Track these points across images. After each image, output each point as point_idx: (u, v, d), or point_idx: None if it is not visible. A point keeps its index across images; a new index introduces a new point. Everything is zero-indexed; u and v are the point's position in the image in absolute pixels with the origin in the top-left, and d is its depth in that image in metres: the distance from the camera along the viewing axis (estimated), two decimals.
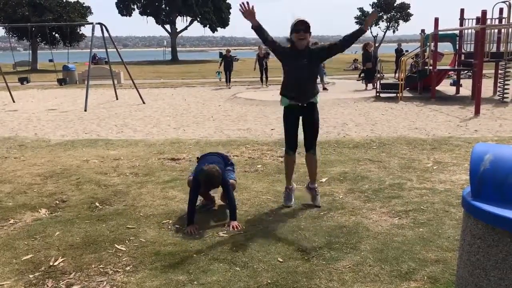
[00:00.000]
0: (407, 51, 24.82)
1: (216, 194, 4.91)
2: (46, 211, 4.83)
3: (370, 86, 16.60)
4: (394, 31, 55.30)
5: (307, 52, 4.55)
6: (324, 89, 16.07)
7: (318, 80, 16.25)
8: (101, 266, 3.56)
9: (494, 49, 13.88)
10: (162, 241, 3.98)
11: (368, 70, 16.62)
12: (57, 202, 5.10)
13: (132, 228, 4.30)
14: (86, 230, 4.28)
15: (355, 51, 42.74)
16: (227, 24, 60.18)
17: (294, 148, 4.79)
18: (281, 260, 3.57)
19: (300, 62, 4.53)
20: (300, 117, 4.73)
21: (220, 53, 64.61)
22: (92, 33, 14.96)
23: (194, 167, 4.84)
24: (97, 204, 5.00)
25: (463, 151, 7.00)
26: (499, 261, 2.41)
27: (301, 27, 4.44)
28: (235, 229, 4.18)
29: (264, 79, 19.18)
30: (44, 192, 5.42)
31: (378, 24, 53.18)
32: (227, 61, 19.39)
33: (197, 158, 4.90)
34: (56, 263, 3.60)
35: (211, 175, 4.23)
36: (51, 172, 6.33)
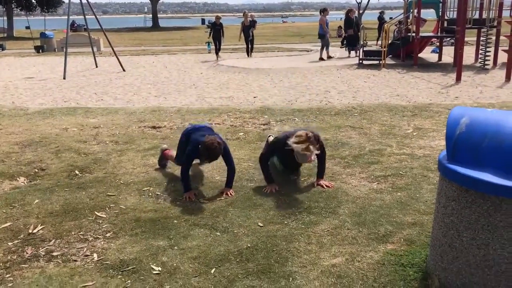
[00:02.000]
0: (391, 18, 24.66)
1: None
2: (24, 180, 4.78)
3: (353, 53, 16.53)
4: None
5: None
6: (329, 57, 15.86)
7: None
8: (81, 233, 3.56)
9: (476, 16, 13.87)
10: (142, 208, 3.98)
11: (350, 36, 16.50)
12: (36, 170, 5.04)
13: (112, 195, 4.29)
14: (66, 197, 4.25)
15: (340, 17, 42.22)
16: None
17: None
18: (261, 225, 3.61)
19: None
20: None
21: (203, 20, 63.04)
22: None
23: (179, 139, 4.75)
24: (77, 172, 4.96)
25: (443, 118, 7.07)
26: (471, 222, 2.47)
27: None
28: (229, 196, 4.22)
29: (249, 49, 17.62)
30: (22, 161, 5.35)
31: None
32: (217, 30, 17.07)
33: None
34: (35, 231, 3.59)
35: (213, 148, 4.06)
36: (29, 140, 6.23)
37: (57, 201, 4.18)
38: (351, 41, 16.62)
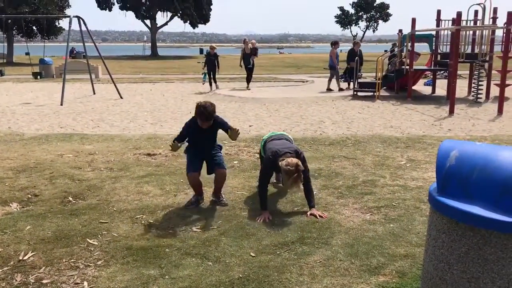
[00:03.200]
0: (385, 51, 25.02)
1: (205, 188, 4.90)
2: (17, 205, 4.76)
3: (348, 84, 16.71)
4: (373, 31, 55.83)
5: None
6: (341, 89, 15.93)
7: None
8: (72, 260, 3.54)
9: (469, 50, 14.15)
10: (134, 236, 3.96)
11: (352, 68, 16.69)
12: (29, 196, 5.03)
13: (105, 222, 4.27)
14: (58, 224, 4.23)
15: (340, 49, 42.71)
16: (208, 20, 59.86)
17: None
18: (253, 255, 3.60)
19: None
20: None
21: (201, 50, 63.60)
22: (69, 26, 14.75)
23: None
24: (70, 198, 4.95)
25: (436, 150, 7.13)
26: (462, 255, 2.48)
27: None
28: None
29: (249, 79, 16.65)
30: (16, 186, 5.34)
31: (358, 24, 53.60)
32: (211, 60, 16.32)
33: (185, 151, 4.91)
34: (25, 258, 3.56)
35: (204, 105, 4.42)
36: (24, 166, 6.23)
37: (49, 227, 4.16)
38: (351, 73, 16.79)
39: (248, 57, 16.34)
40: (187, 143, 4.80)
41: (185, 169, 4.76)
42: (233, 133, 4.60)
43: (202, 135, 4.67)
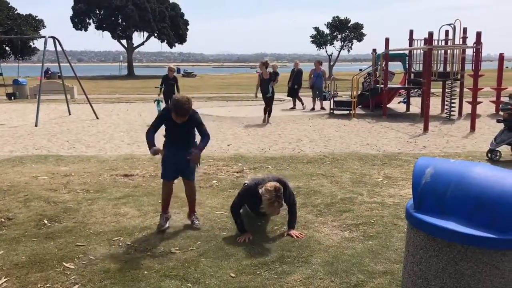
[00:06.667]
0: (360, 70, 25.49)
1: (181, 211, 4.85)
2: None
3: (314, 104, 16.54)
4: (348, 51, 56.82)
5: None
6: (322, 108, 15.79)
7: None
8: (48, 285, 3.45)
9: (441, 69, 14.53)
10: (112, 259, 3.90)
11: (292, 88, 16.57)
12: (2, 220, 4.90)
13: (82, 245, 4.19)
14: (33, 248, 4.13)
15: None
16: (185, 40, 60.17)
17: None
18: (233, 275, 3.58)
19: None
20: None
21: (178, 69, 62.87)
22: (44, 47, 14.61)
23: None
24: (46, 221, 4.85)
25: (412, 167, 7.25)
26: (439, 270, 2.52)
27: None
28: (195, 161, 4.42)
29: (267, 112, 12.99)
30: None
31: (333, 44, 54.51)
32: (169, 84, 12.89)
33: None
34: None
35: (178, 100, 4.29)
36: None
37: (23, 252, 4.06)
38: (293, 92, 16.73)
39: (267, 83, 12.69)
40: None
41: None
42: (193, 158, 4.43)
43: (176, 128, 4.51)
